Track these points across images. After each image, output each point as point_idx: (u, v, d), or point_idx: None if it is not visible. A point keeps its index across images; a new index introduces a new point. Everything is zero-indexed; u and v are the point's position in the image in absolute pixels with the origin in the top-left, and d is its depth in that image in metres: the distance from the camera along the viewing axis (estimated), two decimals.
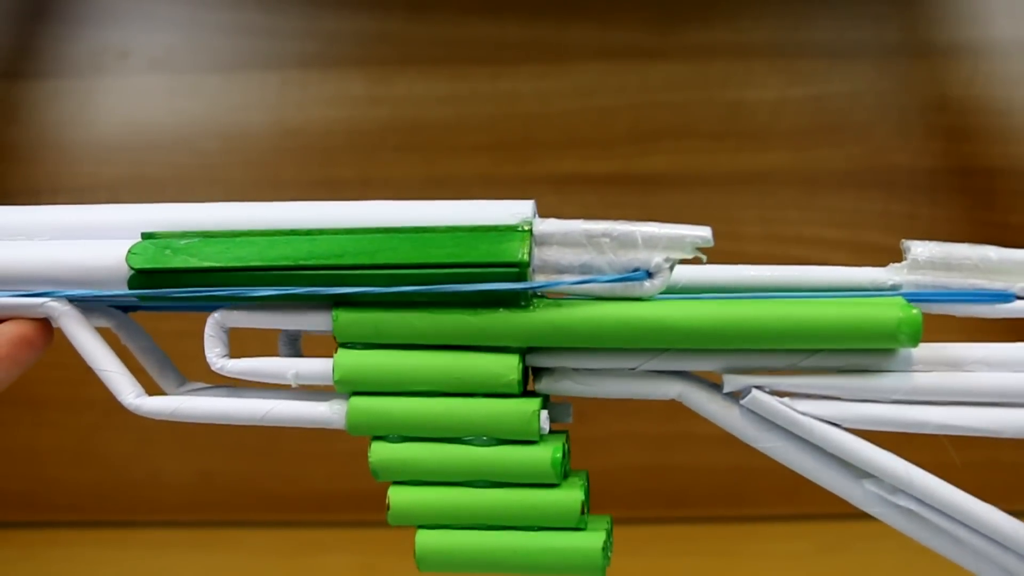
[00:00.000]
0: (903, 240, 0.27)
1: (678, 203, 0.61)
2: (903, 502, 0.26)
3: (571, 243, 0.25)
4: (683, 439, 0.61)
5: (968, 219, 0.61)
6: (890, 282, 0.26)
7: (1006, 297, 0.26)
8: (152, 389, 0.28)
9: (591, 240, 0.25)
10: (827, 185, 0.62)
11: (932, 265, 0.26)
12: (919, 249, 0.26)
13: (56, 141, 0.64)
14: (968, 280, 0.26)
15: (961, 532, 0.26)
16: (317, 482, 0.63)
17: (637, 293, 0.25)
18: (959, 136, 0.61)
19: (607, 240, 0.25)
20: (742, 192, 0.61)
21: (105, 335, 0.28)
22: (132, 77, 0.63)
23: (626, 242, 0.25)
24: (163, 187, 0.63)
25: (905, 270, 0.26)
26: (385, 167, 0.63)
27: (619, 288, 0.25)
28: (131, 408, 0.27)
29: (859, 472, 0.26)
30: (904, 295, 0.26)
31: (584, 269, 0.25)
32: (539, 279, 0.26)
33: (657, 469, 0.62)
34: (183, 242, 0.26)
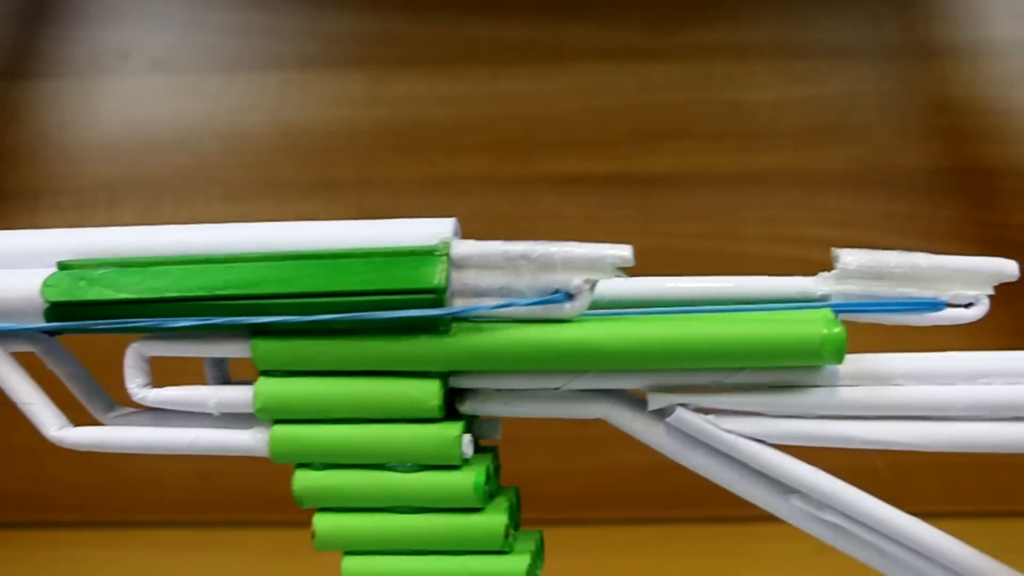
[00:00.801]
0: (833, 248, 0.26)
1: (678, 203, 0.61)
2: (830, 517, 0.26)
3: (489, 266, 0.25)
4: None
5: (968, 219, 0.61)
6: (819, 292, 0.26)
7: (936, 305, 0.25)
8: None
9: (509, 262, 0.25)
10: (827, 185, 0.62)
11: (861, 274, 0.25)
12: (848, 258, 0.25)
13: (56, 141, 0.64)
14: (898, 289, 0.25)
15: (887, 546, 0.26)
16: None
17: (558, 315, 0.25)
18: (959, 136, 0.61)
19: (525, 262, 0.24)
20: (742, 192, 0.61)
21: (31, 358, 0.27)
22: (132, 77, 0.63)
23: (545, 264, 0.24)
24: (163, 187, 0.63)
25: (834, 280, 0.26)
26: (385, 167, 0.63)
27: (539, 311, 0.25)
28: (55, 441, 0.27)
29: (786, 488, 0.26)
30: (832, 306, 0.25)
31: (504, 292, 0.25)
32: (458, 303, 0.25)
33: (657, 469, 0.62)
34: (98, 272, 0.26)
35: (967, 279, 0.25)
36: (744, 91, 0.61)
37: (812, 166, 0.62)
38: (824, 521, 0.26)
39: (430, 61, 0.63)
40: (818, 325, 0.24)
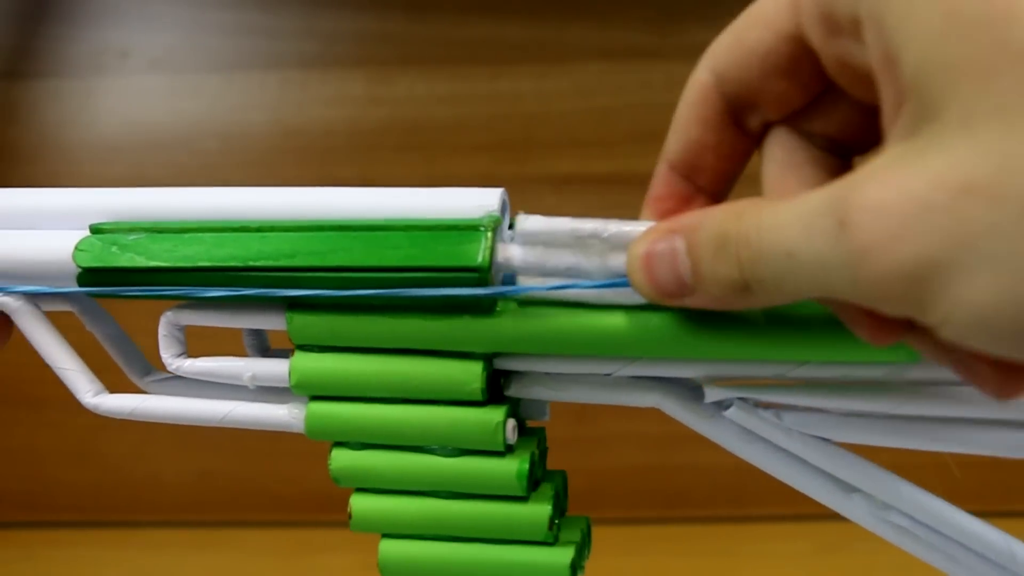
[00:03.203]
0: None
1: None
2: (895, 519, 0.24)
3: (558, 244, 0.23)
4: (683, 439, 0.61)
5: None
6: None
7: None
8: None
9: (579, 241, 0.22)
10: None
11: None
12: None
13: (56, 141, 0.64)
14: None
15: (955, 550, 0.24)
16: (317, 482, 0.62)
17: (627, 300, 0.23)
18: None
19: (596, 241, 0.22)
20: (742, 192, 0.61)
21: (69, 319, 0.27)
22: (132, 77, 0.63)
23: (617, 244, 0.22)
24: (163, 187, 0.63)
25: None
26: (385, 167, 0.63)
27: (609, 294, 0.23)
28: (90, 407, 0.26)
29: (849, 486, 0.25)
30: None
31: (571, 272, 0.23)
32: (522, 281, 0.23)
33: (657, 469, 0.62)
34: (131, 238, 0.25)
35: None
36: None
37: None
38: (888, 522, 0.24)
39: (430, 61, 0.63)
40: None
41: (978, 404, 0.23)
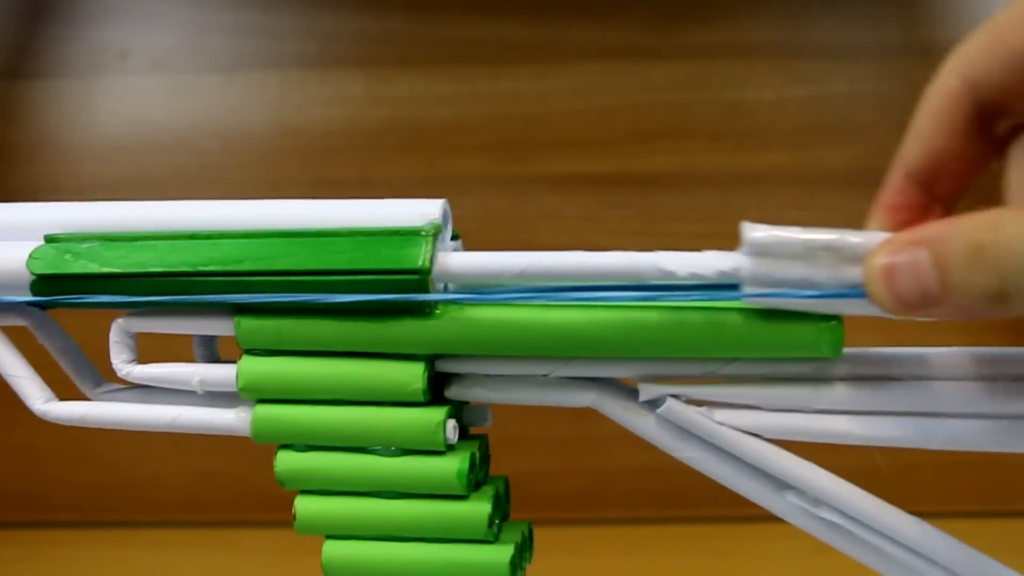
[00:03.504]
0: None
1: (678, 203, 0.61)
2: (826, 515, 0.25)
3: (787, 255, 0.22)
4: None
5: None
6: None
7: None
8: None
9: (809, 252, 0.22)
10: (827, 185, 0.62)
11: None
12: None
13: (56, 141, 0.64)
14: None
15: (888, 546, 0.25)
16: None
17: (855, 311, 0.23)
18: None
19: (826, 253, 0.22)
20: (742, 192, 0.61)
21: (22, 333, 0.27)
22: (132, 77, 0.63)
23: (850, 256, 0.22)
24: (163, 187, 0.63)
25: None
26: (385, 167, 0.63)
27: (838, 303, 0.23)
28: (39, 414, 0.27)
29: (781, 483, 0.25)
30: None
31: (803, 284, 0.22)
32: (748, 289, 0.23)
33: (657, 469, 0.62)
34: (84, 246, 0.26)
35: None
36: (744, 91, 0.61)
37: (812, 166, 0.62)
38: (820, 518, 0.25)
39: (430, 61, 0.63)
40: (816, 317, 0.23)
41: (909, 397, 0.24)
